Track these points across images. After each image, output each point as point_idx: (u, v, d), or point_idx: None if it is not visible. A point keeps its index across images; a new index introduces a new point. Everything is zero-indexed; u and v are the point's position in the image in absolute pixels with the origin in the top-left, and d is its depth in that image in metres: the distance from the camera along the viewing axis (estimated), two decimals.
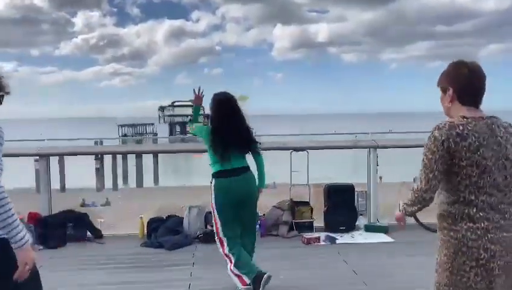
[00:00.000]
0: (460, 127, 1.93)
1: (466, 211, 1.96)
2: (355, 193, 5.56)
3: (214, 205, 3.59)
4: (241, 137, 3.56)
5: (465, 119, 1.96)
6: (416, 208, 2.08)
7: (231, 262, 3.58)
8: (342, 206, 5.40)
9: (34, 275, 1.97)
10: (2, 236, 1.89)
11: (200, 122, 3.86)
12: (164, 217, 5.37)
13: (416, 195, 2.04)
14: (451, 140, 1.92)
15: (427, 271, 3.84)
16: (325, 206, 5.47)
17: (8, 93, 2.01)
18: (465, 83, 2.01)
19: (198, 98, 3.71)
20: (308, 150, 5.60)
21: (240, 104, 3.64)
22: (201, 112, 3.92)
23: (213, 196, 3.57)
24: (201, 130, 3.64)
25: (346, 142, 6.03)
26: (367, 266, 4.28)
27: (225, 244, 3.60)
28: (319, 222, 5.46)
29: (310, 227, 5.36)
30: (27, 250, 1.88)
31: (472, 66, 2.02)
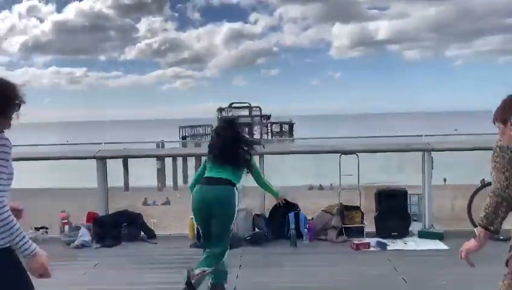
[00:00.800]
0: None
1: None
2: (409, 197, 5.38)
3: None
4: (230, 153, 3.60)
5: None
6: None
7: None
8: (394, 211, 5.23)
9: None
10: (4, 246, 1.90)
11: None
12: None
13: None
14: None
15: (482, 282, 3.65)
16: (376, 211, 5.32)
17: (23, 102, 2.03)
18: None
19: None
20: (357, 153, 5.48)
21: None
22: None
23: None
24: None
25: (398, 146, 5.82)
26: (418, 274, 4.11)
27: None
28: (370, 227, 5.33)
29: (360, 232, 5.24)
30: (37, 256, 1.93)
31: None
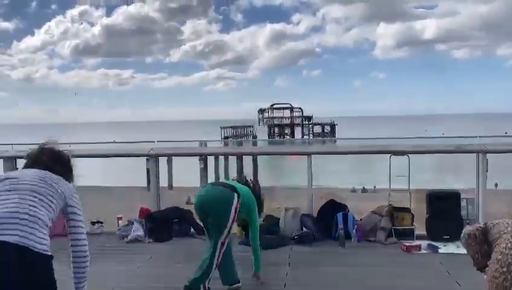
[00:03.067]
0: None
1: None
2: (462, 201, 5.23)
3: None
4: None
5: None
6: None
7: None
8: (445, 214, 5.11)
9: None
10: (48, 253, 1.97)
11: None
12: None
13: None
14: None
15: None
16: (427, 213, 5.22)
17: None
18: None
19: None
20: (409, 155, 5.39)
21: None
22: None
23: None
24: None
25: (450, 147, 5.67)
26: (472, 278, 3.98)
27: None
28: (420, 229, 5.23)
29: (410, 234, 5.15)
30: None
31: None
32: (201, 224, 4.06)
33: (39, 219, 2.00)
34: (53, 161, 2.27)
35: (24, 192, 2.05)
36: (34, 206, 2.02)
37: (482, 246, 2.52)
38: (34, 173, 2.18)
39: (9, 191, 2.05)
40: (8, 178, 2.13)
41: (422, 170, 10.47)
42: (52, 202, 2.09)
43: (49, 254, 1.97)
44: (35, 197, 2.06)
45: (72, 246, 2.15)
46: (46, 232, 2.00)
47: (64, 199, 2.15)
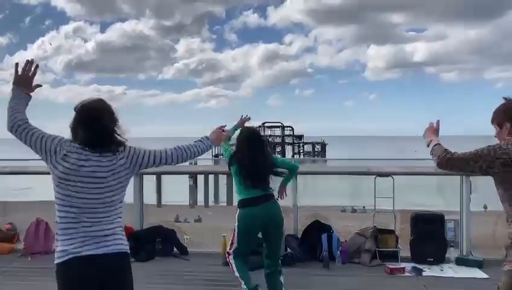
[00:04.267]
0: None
1: None
2: (449, 222, 5.24)
3: (236, 229, 3.81)
4: (264, 174, 3.76)
5: None
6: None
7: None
8: (430, 236, 5.10)
9: None
10: (125, 250, 2.22)
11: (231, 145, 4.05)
12: None
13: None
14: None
15: None
16: (411, 236, 5.21)
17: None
18: None
19: (242, 123, 4.19)
20: (393, 176, 5.40)
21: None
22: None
23: (237, 223, 3.78)
24: (229, 155, 3.92)
25: (435, 169, 5.68)
26: None
27: (232, 263, 3.88)
28: (404, 251, 5.21)
29: (394, 256, 5.13)
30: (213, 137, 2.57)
31: None
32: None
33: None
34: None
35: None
36: None
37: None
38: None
39: None
40: None
41: (410, 191, 10.49)
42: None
43: None
44: None
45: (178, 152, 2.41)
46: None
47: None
